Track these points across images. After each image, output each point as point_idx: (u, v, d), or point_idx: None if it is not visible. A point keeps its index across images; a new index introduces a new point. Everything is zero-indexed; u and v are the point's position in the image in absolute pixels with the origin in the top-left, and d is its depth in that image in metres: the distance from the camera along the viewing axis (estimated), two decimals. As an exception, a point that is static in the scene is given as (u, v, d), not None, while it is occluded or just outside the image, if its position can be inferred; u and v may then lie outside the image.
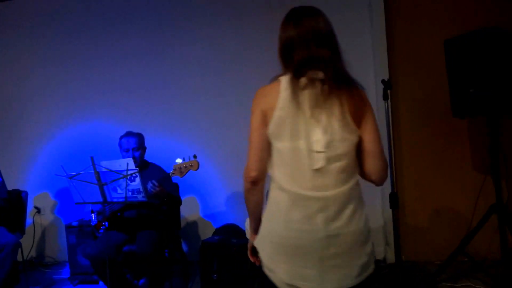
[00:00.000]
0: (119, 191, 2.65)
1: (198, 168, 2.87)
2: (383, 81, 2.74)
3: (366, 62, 3.58)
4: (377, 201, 3.54)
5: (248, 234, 1.66)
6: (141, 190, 2.70)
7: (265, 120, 1.42)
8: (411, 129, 3.58)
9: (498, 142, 2.95)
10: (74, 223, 3.62)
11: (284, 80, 1.41)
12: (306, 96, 1.39)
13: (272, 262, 1.45)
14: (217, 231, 3.57)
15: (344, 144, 1.39)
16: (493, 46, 2.78)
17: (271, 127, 1.41)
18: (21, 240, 3.19)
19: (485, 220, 2.92)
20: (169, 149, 3.69)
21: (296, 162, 1.39)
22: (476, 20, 3.19)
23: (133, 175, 2.63)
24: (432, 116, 3.53)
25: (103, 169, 2.58)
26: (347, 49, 1.44)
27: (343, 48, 1.43)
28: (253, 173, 1.44)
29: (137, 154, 3.12)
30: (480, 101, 2.82)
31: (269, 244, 1.47)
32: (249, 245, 1.62)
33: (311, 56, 1.39)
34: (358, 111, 1.39)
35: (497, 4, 3.40)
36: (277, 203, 1.44)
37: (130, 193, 2.66)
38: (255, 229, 1.55)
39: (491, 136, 2.93)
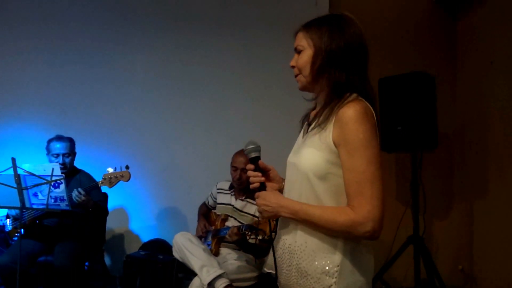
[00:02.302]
0: (40, 197, 2.50)
1: (129, 180, 2.78)
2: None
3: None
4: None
5: None
6: (65, 198, 2.56)
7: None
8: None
9: (419, 177, 3.19)
10: (-15, 229, 3.33)
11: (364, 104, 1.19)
12: None
13: None
14: (144, 246, 3.46)
15: None
16: (419, 89, 3.05)
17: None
18: None
19: (402, 250, 3.12)
20: (102, 157, 3.55)
21: None
22: (407, 63, 3.47)
23: (58, 181, 2.49)
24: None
25: (25, 172, 2.41)
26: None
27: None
28: (380, 226, 1.11)
29: (67, 160, 2.97)
30: (405, 138, 3.05)
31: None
32: None
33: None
34: None
35: (424, 51, 3.73)
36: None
37: (52, 200, 2.51)
38: None
39: (412, 171, 3.16)
